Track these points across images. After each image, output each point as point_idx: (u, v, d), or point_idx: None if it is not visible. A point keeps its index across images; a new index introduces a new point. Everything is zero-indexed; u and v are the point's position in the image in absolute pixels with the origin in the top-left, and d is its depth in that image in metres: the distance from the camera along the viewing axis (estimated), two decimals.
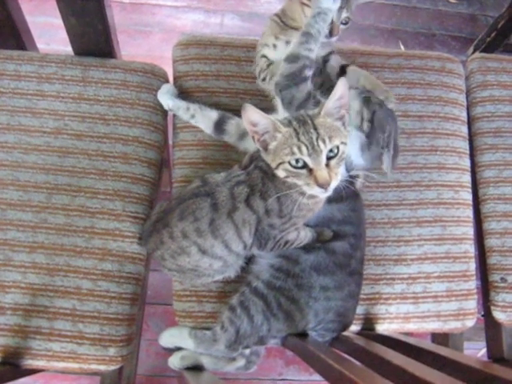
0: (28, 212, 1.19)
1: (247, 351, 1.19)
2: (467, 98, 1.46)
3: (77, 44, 1.35)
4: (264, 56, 1.25)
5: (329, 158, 0.92)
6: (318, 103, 1.09)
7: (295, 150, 0.91)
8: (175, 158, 1.29)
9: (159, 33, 2.35)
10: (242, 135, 1.20)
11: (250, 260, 1.16)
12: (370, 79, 1.26)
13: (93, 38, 1.32)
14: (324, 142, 0.91)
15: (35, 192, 1.21)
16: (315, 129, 0.92)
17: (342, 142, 0.94)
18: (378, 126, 1.10)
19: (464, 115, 1.42)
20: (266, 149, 0.97)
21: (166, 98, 1.27)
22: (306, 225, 1.12)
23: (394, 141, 1.12)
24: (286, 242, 1.08)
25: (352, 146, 1.10)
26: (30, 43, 1.47)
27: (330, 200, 1.08)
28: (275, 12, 1.26)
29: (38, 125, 1.26)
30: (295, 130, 0.92)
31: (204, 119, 1.24)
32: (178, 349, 1.19)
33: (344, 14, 1.16)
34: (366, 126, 1.10)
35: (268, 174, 1.00)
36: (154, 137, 1.29)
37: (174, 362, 1.18)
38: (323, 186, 0.92)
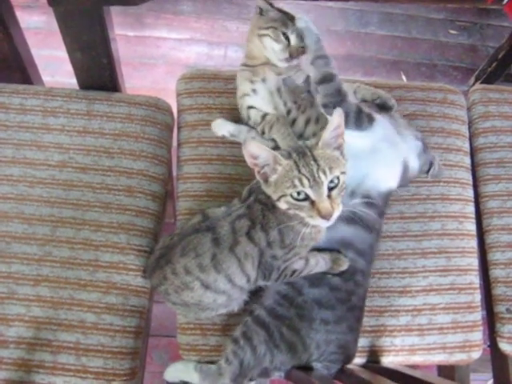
0: (33, 245, 1.19)
1: (252, 383, 1.18)
2: (469, 128, 1.47)
3: (82, 78, 1.36)
4: (250, 107, 1.26)
5: (330, 189, 0.93)
6: (369, 116, 1.14)
7: (296, 182, 0.91)
8: (179, 190, 1.29)
9: (163, 65, 2.37)
10: None
11: (255, 291, 1.15)
12: (367, 89, 1.29)
13: (98, 71, 1.34)
14: (324, 173, 0.91)
15: (40, 225, 1.21)
16: (315, 160, 0.92)
17: (342, 172, 0.94)
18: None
19: (467, 146, 1.42)
20: (266, 181, 0.97)
21: (225, 126, 1.28)
22: (324, 249, 1.11)
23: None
24: (294, 271, 1.07)
25: (412, 156, 1.16)
26: (36, 76, 1.49)
27: (360, 226, 1.08)
28: (240, 65, 1.30)
29: (43, 158, 1.27)
30: (295, 162, 0.92)
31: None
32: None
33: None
34: (419, 134, 1.18)
35: (268, 206, 1.01)
36: (158, 170, 1.30)
37: (168, 376, 1.18)
38: (326, 217, 0.92)
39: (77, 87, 1.39)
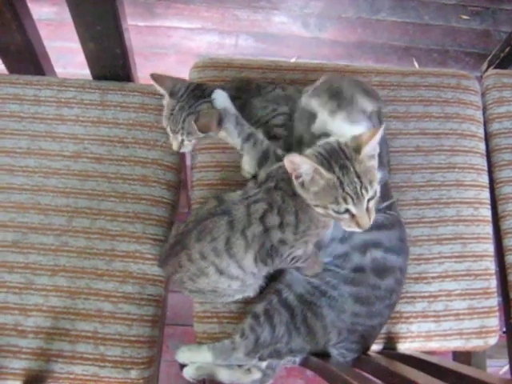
0: (49, 235, 1.20)
1: (263, 364, 1.17)
2: (484, 114, 1.46)
3: (95, 68, 1.37)
4: None
5: (368, 201, 0.93)
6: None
7: (340, 200, 0.91)
8: (194, 179, 1.29)
9: (174, 55, 2.37)
10: None
11: (279, 272, 1.15)
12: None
13: (111, 62, 1.35)
14: (366, 190, 0.92)
15: (56, 215, 1.22)
16: (358, 177, 0.92)
17: (377, 183, 0.95)
18: (338, 95, 1.12)
19: (481, 132, 1.42)
20: (302, 185, 0.96)
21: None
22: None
23: (361, 87, 1.16)
24: (293, 258, 1.07)
25: (348, 129, 1.11)
26: (49, 68, 1.49)
27: (378, 226, 1.07)
28: None
29: (58, 149, 1.27)
30: (339, 179, 0.92)
31: None
32: None
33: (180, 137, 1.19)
34: (331, 105, 1.11)
35: (288, 192, 1.00)
36: (172, 159, 1.30)
37: (190, 371, 1.17)
38: (364, 227, 0.94)
39: (89, 78, 1.39)
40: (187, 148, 1.21)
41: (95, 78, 1.39)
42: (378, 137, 0.93)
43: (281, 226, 1.01)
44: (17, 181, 1.24)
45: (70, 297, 1.16)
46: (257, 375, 1.17)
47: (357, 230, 0.95)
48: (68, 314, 1.16)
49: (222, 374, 1.16)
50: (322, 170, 0.91)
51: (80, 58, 1.34)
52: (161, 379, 1.42)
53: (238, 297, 1.15)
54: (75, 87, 1.34)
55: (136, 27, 2.39)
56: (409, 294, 1.24)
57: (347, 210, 0.93)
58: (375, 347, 1.22)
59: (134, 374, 1.14)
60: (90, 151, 1.28)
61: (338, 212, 0.93)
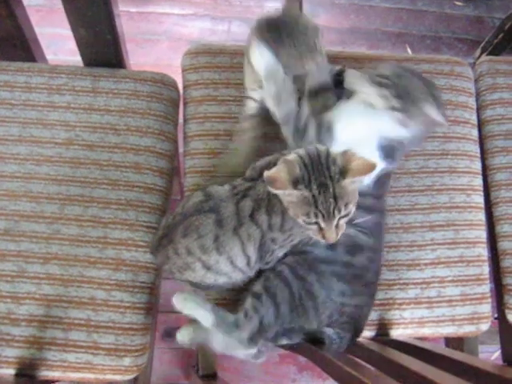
0: (41, 223, 1.20)
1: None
2: (477, 100, 1.46)
3: (86, 55, 1.36)
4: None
5: (339, 218, 0.94)
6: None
7: (312, 215, 0.92)
8: (186, 166, 1.29)
9: (166, 41, 2.36)
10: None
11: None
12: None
13: (102, 48, 1.33)
14: (340, 211, 0.92)
15: (48, 203, 1.21)
16: (335, 198, 0.91)
17: (354, 204, 0.95)
18: (405, 95, 1.08)
19: (474, 118, 1.42)
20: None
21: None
22: None
23: (431, 92, 1.11)
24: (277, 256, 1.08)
25: (395, 129, 1.11)
26: (39, 54, 1.48)
27: (358, 206, 1.06)
28: None
29: (50, 136, 1.26)
30: (314, 197, 0.91)
31: None
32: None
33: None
34: (395, 103, 1.08)
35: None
36: (165, 146, 1.30)
37: (185, 334, 1.14)
38: (329, 241, 0.95)
39: (80, 65, 1.38)
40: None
41: (86, 65, 1.38)
42: (370, 174, 0.93)
43: (269, 225, 1.01)
44: (8, 168, 1.23)
45: (63, 285, 1.16)
46: (252, 350, 1.16)
47: (322, 241, 0.96)
48: (61, 302, 1.15)
49: (217, 344, 1.11)
50: (296, 192, 0.91)
51: (71, 44, 1.32)
52: (154, 366, 1.43)
53: (227, 286, 1.14)
54: (66, 74, 1.33)
55: (128, 13, 2.37)
56: (401, 281, 1.25)
57: (316, 223, 0.93)
58: (368, 334, 1.22)
59: (127, 361, 1.14)
60: (82, 138, 1.27)
61: (307, 223, 0.93)
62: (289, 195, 0.93)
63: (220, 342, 1.10)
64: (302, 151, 0.96)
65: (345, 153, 0.94)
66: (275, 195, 0.97)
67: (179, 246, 1.01)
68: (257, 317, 1.06)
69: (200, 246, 1.00)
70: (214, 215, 1.00)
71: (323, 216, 0.91)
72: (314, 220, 0.92)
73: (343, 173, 0.92)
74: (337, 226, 0.94)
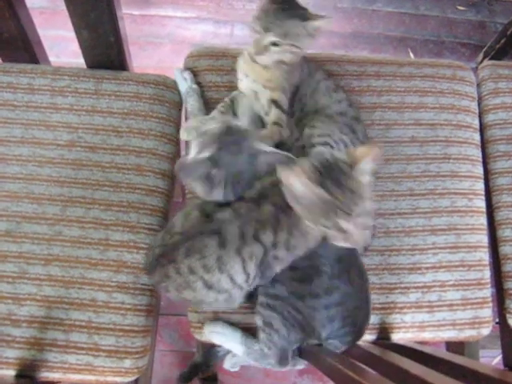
0: (43, 225, 1.20)
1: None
2: (479, 105, 1.46)
3: (89, 57, 1.36)
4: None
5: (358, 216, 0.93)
6: None
7: (332, 215, 0.91)
8: None
9: (169, 44, 2.36)
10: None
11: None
12: None
13: (105, 50, 1.33)
14: (357, 205, 0.92)
15: (50, 205, 1.21)
16: (351, 192, 0.91)
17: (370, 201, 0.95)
18: None
19: (476, 123, 1.42)
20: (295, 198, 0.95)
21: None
22: None
23: None
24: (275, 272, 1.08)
25: None
26: (42, 56, 1.48)
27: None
28: None
29: (52, 138, 1.27)
30: (332, 194, 0.90)
31: None
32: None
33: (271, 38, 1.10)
34: None
35: (283, 208, 0.98)
36: (167, 148, 1.30)
37: (228, 365, 1.23)
38: (356, 243, 0.95)
39: (83, 67, 1.38)
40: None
41: (89, 67, 1.38)
42: (373, 154, 0.92)
43: (274, 243, 1.00)
44: (10, 170, 1.23)
45: (64, 286, 1.16)
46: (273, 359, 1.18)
47: (348, 245, 0.95)
48: (62, 304, 1.15)
49: (242, 357, 1.19)
50: (315, 188, 0.90)
51: (74, 46, 1.33)
52: (155, 369, 1.43)
53: (223, 307, 1.16)
54: (69, 76, 1.33)
55: (131, 16, 2.37)
56: (403, 285, 1.24)
57: (337, 226, 0.92)
58: (369, 337, 1.22)
59: (128, 363, 1.14)
60: (84, 140, 1.27)
61: (327, 226, 0.92)
62: (306, 198, 0.92)
63: (242, 357, 1.19)
64: (309, 158, 0.96)
65: (348, 151, 0.95)
66: (283, 211, 0.98)
67: (181, 266, 1.01)
68: (273, 345, 1.11)
69: (203, 266, 0.99)
70: (217, 237, 0.99)
71: (344, 214, 0.90)
72: (334, 221, 0.91)
73: (351, 165, 0.92)
74: (359, 225, 0.92)
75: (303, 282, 1.10)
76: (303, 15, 1.10)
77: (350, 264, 1.14)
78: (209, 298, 1.06)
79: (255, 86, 1.21)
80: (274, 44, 1.10)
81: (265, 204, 1.01)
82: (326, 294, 1.10)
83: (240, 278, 1.02)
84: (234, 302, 1.12)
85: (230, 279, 1.02)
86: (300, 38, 1.11)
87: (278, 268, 1.06)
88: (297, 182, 0.90)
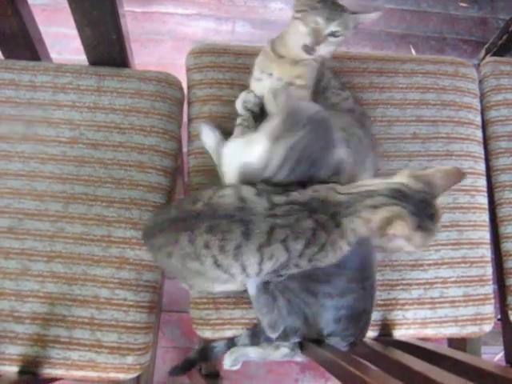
0: (45, 221, 1.20)
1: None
2: (481, 102, 1.46)
3: (91, 54, 1.36)
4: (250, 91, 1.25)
5: None
6: None
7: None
8: (190, 165, 1.29)
9: (170, 41, 2.36)
10: None
11: None
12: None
13: (107, 47, 1.33)
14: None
15: (52, 201, 1.21)
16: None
17: None
18: None
19: (478, 119, 1.42)
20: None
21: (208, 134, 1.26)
22: None
23: None
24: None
25: None
26: (44, 53, 1.48)
27: None
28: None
29: (54, 134, 1.27)
30: (426, 231, 0.93)
31: None
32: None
33: (333, 28, 1.09)
34: None
35: (326, 228, 0.96)
36: (169, 145, 1.30)
37: (228, 361, 1.19)
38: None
39: (84, 64, 1.38)
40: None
41: (91, 64, 1.38)
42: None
43: (301, 255, 0.98)
44: (13, 166, 1.23)
45: (67, 283, 1.16)
46: (285, 350, 1.18)
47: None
48: (64, 300, 1.16)
49: (253, 353, 1.19)
50: (416, 234, 0.91)
51: (75, 43, 1.33)
52: (157, 365, 1.43)
53: (218, 289, 1.13)
54: (71, 73, 1.33)
55: (132, 13, 2.37)
56: (405, 281, 1.25)
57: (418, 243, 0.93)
58: (371, 334, 1.22)
59: (130, 359, 1.14)
60: (87, 137, 1.27)
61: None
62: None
63: (256, 353, 1.20)
64: (390, 200, 0.94)
65: (412, 173, 0.97)
66: (325, 229, 0.96)
67: (198, 238, 0.98)
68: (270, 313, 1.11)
69: (220, 247, 0.97)
70: (243, 227, 0.96)
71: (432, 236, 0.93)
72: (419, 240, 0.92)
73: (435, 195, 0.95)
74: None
75: (320, 281, 1.10)
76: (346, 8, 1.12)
77: (370, 272, 1.15)
78: (212, 274, 1.03)
79: (279, 85, 1.19)
80: (333, 35, 1.10)
81: (307, 218, 0.97)
82: (339, 296, 1.10)
83: (252, 270, 1.00)
84: (234, 285, 1.11)
85: (242, 268, 1.00)
86: (350, 31, 1.12)
87: (294, 271, 1.03)
88: (401, 239, 0.91)
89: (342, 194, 0.98)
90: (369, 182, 0.99)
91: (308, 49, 1.11)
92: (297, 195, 1.00)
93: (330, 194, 0.98)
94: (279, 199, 0.99)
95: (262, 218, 0.96)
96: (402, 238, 0.90)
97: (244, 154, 1.05)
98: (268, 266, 0.99)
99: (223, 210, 0.98)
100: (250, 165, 1.03)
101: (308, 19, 1.09)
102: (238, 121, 1.23)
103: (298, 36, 1.12)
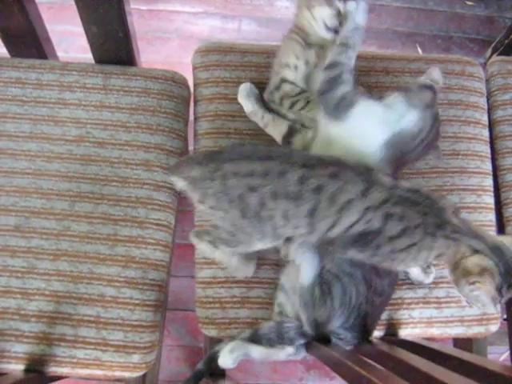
0: (51, 220, 1.20)
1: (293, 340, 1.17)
2: (488, 101, 1.45)
3: (97, 52, 1.36)
4: (284, 80, 1.22)
5: None
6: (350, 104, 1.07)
7: None
8: None
9: (177, 39, 2.36)
10: (305, 148, 1.18)
11: None
12: None
13: (114, 45, 1.33)
14: None
15: (58, 200, 1.22)
16: None
17: None
18: None
19: (485, 119, 1.41)
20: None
21: (248, 101, 1.27)
22: None
23: None
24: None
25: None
26: (51, 51, 1.48)
27: None
28: (291, 29, 1.24)
29: (61, 133, 1.27)
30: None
31: (275, 131, 1.23)
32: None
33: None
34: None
35: (425, 232, 0.97)
36: (175, 144, 1.30)
37: (225, 360, 1.14)
38: None
39: (91, 62, 1.38)
40: None
41: (98, 62, 1.38)
42: None
43: (390, 238, 0.98)
44: (19, 165, 1.24)
45: (73, 281, 1.17)
46: (290, 349, 1.16)
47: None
48: (70, 299, 1.16)
49: (256, 352, 1.15)
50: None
51: (82, 41, 1.33)
52: (162, 364, 1.43)
53: (253, 248, 1.11)
54: (78, 71, 1.33)
55: (138, 11, 2.37)
56: (410, 280, 1.24)
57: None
58: (376, 333, 1.22)
59: (135, 358, 1.14)
60: (93, 135, 1.27)
61: None
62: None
63: (258, 352, 1.15)
64: (494, 262, 0.93)
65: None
66: (428, 234, 0.97)
67: (312, 180, 0.96)
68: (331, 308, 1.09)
69: (332, 195, 0.96)
70: (364, 186, 0.97)
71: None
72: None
73: None
74: None
75: (379, 276, 1.12)
76: None
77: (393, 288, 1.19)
78: (239, 223, 1.02)
79: (311, 71, 1.21)
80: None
81: (419, 213, 0.97)
82: (378, 296, 1.13)
83: (299, 231, 1.01)
84: (250, 239, 1.07)
85: (294, 228, 1.00)
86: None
87: (367, 255, 1.03)
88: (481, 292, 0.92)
89: (456, 217, 0.99)
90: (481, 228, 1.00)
91: (334, 26, 1.16)
92: (421, 187, 1.02)
93: (448, 209, 0.99)
94: (405, 184, 1.01)
95: (384, 188, 0.97)
96: (483, 291, 0.91)
97: (396, 122, 1.06)
98: (358, 228, 0.98)
99: (351, 163, 1.00)
100: (405, 131, 1.05)
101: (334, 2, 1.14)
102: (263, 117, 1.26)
103: (321, 22, 1.16)
